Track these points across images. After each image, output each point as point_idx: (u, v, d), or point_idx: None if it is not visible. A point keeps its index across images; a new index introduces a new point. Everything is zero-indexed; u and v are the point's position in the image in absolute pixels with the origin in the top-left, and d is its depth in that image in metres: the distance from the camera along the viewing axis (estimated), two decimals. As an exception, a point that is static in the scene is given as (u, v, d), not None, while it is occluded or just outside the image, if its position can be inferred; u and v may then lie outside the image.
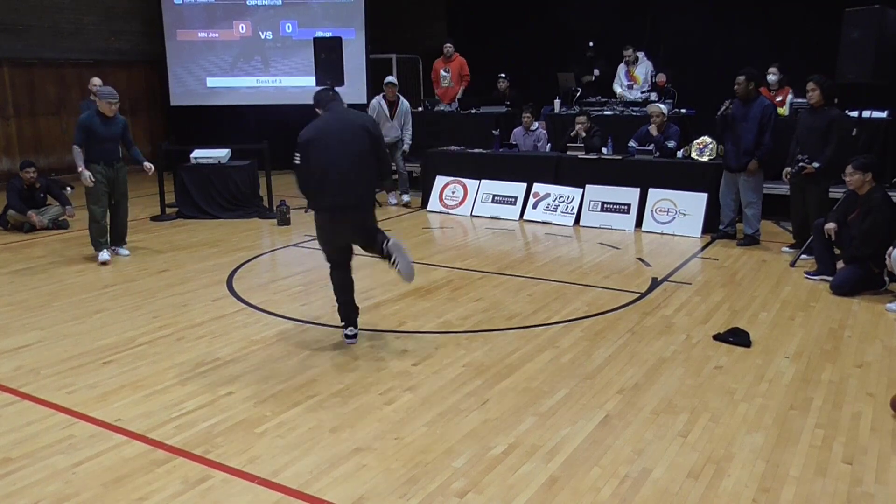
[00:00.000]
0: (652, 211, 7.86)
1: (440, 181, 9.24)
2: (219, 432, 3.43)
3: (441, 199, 9.13)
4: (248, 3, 12.68)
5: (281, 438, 3.36)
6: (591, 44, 10.50)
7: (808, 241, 6.23)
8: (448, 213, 8.95)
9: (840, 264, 5.82)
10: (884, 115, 7.83)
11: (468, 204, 8.92)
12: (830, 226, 5.68)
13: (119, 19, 12.80)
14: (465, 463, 3.12)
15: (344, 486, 2.95)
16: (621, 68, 10.15)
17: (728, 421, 3.48)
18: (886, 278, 5.49)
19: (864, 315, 5.05)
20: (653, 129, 8.22)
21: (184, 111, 12.93)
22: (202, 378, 4.06)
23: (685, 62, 10.09)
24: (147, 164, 6.83)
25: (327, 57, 9.61)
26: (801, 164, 6.38)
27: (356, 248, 4.57)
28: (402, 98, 9.35)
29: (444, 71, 10.95)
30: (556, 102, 9.91)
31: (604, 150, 8.46)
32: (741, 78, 6.78)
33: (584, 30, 10.98)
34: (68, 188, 8.95)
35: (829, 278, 5.72)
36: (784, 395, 3.77)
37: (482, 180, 8.94)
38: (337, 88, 9.98)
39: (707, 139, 7.82)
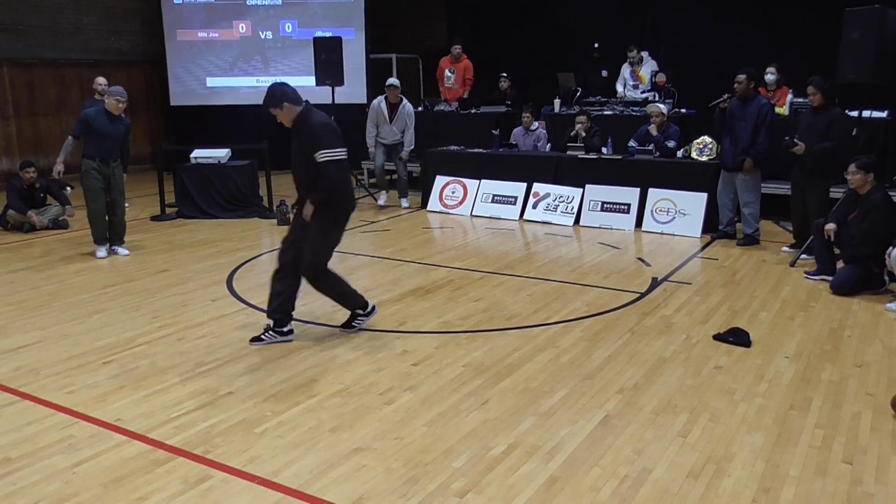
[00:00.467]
0: (652, 211, 7.86)
1: (440, 181, 9.24)
2: (219, 432, 3.43)
3: (441, 199, 9.13)
4: (248, 3, 12.68)
5: (281, 438, 3.36)
6: (596, 45, 10.50)
7: (808, 241, 6.24)
8: (448, 213, 8.95)
9: (840, 264, 5.82)
10: (884, 115, 7.83)
11: (468, 204, 8.92)
12: (830, 226, 5.68)
13: (119, 19, 12.80)
14: (465, 463, 3.12)
15: (344, 486, 2.95)
16: (626, 68, 10.15)
17: (728, 421, 3.49)
18: (886, 278, 5.49)
19: (864, 315, 5.05)
20: (653, 129, 8.22)
21: (184, 111, 12.93)
22: (202, 378, 4.06)
23: (685, 62, 10.10)
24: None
25: (327, 57, 9.62)
26: (787, 139, 6.41)
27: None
28: (405, 101, 9.20)
29: (450, 72, 10.95)
30: (556, 102, 9.91)
31: (604, 149, 8.46)
32: (742, 77, 6.78)
33: (585, 30, 10.99)
34: (68, 188, 8.95)
35: (829, 278, 5.72)
36: (784, 395, 3.77)
37: (482, 180, 8.94)
38: (337, 88, 10.05)
39: (707, 139, 7.82)
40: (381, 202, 9.33)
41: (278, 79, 12.59)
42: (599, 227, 7.99)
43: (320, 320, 5.02)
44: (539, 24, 12.07)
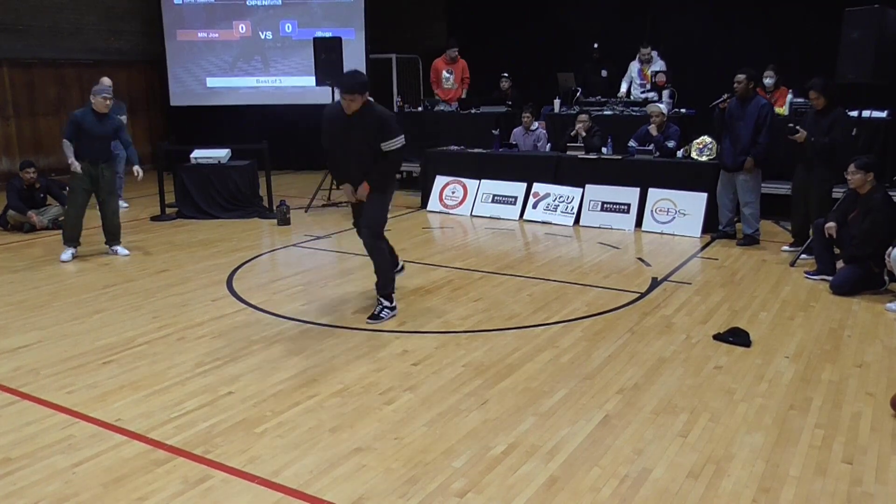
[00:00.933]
0: (652, 211, 7.86)
1: (440, 181, 9.24)
2: (219, 432, 3.43)
3: (441, 199, 9.13)
4: (248, 3, 12.68)
5: (281, 438, 3.36)
6: (595, 45, 10.50)
7: (808, 240, 6.24)
8: (448, 213, 8.95)
9: (840, 264, 5.82)
10: (884, 115, 7.83)
11: (468, 204, 8.92)
12: (830, 225, 5.69)
13: (119, 19, 12.80)
14: (465, 463, 3.12)
15: (344, 486, 2.95)
16: (634, 66, 10.12)
17: (728, 421, 3.49)
18: (886, 278, 5.49)
19: (864, 315, 5.05)
20: (652, 129, 8.23)
21: (184, 111, 12.93)
22: (202, 378, 4.06)
23: (685, 62, 10.09)
24: (136, 168, 6.74)
25: (327, 57, 9.62)
26: (790, 125, 6.42)
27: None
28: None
29: (447, 73, 10.94)
30: (556, 102, 9.90)
31: (604, 149, 8.46)
32: (741, 77, 6.78)
33: (585, 30, 10.99)
34: (68, 188, 8.94)
35: (829, 278, 5.72)
36: (784, 395, 3.77)
37: (482, 180, 8.94)
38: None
39: (707, 139, 7.82)
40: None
41: (278, 79, 12.84)
42: (599, 227, 7.99)
43: (320, 320, 5.03)
44: (539, 24, 12.07)
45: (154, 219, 8.73)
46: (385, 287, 5.06)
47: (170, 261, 6.74)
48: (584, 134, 8.61)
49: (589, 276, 6.11)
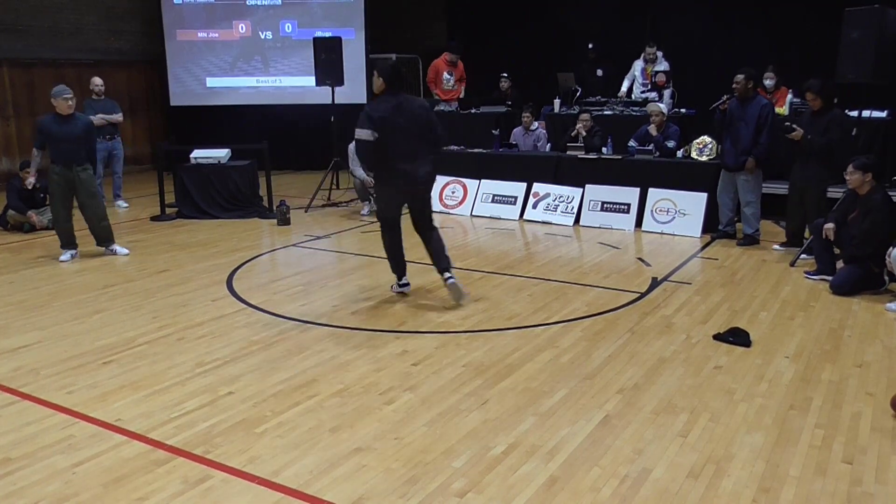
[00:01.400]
0: (652, 211, 7.86)
1: (440, 181, 9.21)
2: (219, 432, 3.43)
3: (441, 199, 9.13)
4: (247, 3, 12.68)
5: (281, 438, 3.36)
6: (590, 45, 10.51)
7: (808, 240, 6.24)
8: (448, 213, 8.95)
9: (840, 264, 5.82)
10: (884, 115, 7.83)
11: (468, 204, 8.92)
12: (829, 226, 5.68)
13: (119, 19, 12.80)
14: (465, 463, 3.12)
15: (344, 486, 2.96)
16: (638, 64, 10.11)
17: (728, 421, 3.49)
18: (886, 278, 5.49)
19: (863, 315, 5.05)
20: (652, 129, 8.23)
21: (184, 111, 12.93)
22: (202, 378, 4.06)
23: (685, 62, 10.09)
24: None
25: (327, 57, 9.62)
26: (787, 124, 6.42)
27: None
28: None
29: (448, 74, 10.94)
30: (556, 102, 9.90)
31: (603, 149, 8.46)
32: (740, 77, 6.78)
33: (584, 30, 10.99)
34: (48, 195, 8.94)
35: (829, 278, 5.72)
36: (784, 395, 3.77)
37: (482, 180, 8.94)
38: (337, 88, 10.04)
39: (707, 139, 7.82)
40: (364, 212, 9.13)
41: (278, 79, 12.84)
42: (599, 227, 7.99)
43: (320, 320, 5.03)
44: (539, 24, 12.07)
45: (154, 219, 8.73)
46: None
47: (170, 261, 6.74)
48: (584, 134, 8.61)
49: (589, 276, 6.11)
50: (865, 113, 7.42)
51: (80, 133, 6.44)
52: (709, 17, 10.61)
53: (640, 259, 6.67)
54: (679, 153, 8.04)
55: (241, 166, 8.88)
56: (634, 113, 9.26)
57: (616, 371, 4.10)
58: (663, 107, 8.48)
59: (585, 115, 8.71)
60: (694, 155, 7.87)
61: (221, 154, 8.85)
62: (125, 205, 9.65)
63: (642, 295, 5.54)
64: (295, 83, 12.77)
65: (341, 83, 9.77)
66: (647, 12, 11.25)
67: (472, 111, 10.52)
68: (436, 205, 9.11)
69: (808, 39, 9.45)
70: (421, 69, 13.35)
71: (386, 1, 13.19)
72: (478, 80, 11.26)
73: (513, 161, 8.93)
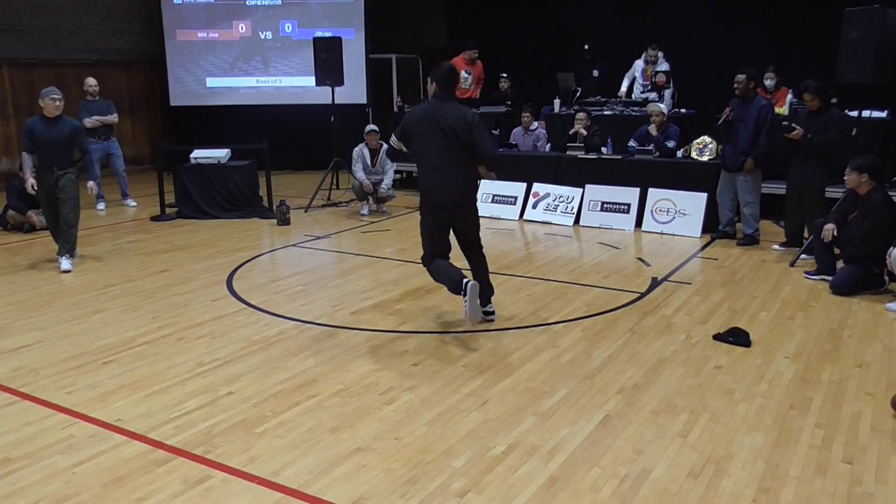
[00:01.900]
0: (652, 211, 7.86)
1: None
2: (219, 432, 3.43)
3: (441, 199, 9.11)
4: (247, 3, 12.68)
5: (281, 438, 3.36)
6: (586, 46, 10.51)
7: (808, 240, 6.24)
8: (448, 213, 8.93)
9: (840, 264, 5.82)
10: (884, 115, 7.83)
11: (468, 204, 8.90)
12: (829, 226, 5.68)
13: (119, 19, 12.80)
14: (465, 463, 3.12)
15: (344, 486, 2.96)
16: (639, 64, 10.10)
17: (728, 421, 3.49)
18: (886, 278, 5.49)
19: (863, 315, 5.05)
20: (652, 129, 8.23)
21: (183, 111, 12.93)
22: (202, 378, 4.06)
23: (685, 62, 10.10)
24: (90, 184, 6.50)
25: (327, 57, 9.62)
26: (785, 123, 6.42)
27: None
28: (385, 145, 8.86)
29: (466, 73, 10.93)
30: (556, 102, 9.91)
31: (603, 149, 8.46)
32: (742, 77, 6.77)
33: (584, 30, 10.99)
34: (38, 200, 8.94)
35: (829, 278, 5.72)
36: (784, 395, 3.77)
37: (482, 180, 8.92)
38: (337, 88, 10.03)
39: (707, 139, 7.82)
40: (363, 211, 9.11)
41: (278, 79, 12.84)
42: (599, 227, 7.99)
43: (320, 320, 5.03)
44: (539, 24, 12.07)
45: (154, 219, 8.73)
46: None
47: (170, 261, 6.74)
48: (584, 133, 8.61)
49: (589, 276, 6.11)
50: (865, 113, 7.42)
51: (65, 137, 6.23)
52: (709, 17, 10.61)
53: (640, 259, 6.67)
54: (679, 153, 8.04)
55: (241, 166, 8.88)
56: (634, 113, 9.26)
57: (616, 371, 4.10)
58: (663, 107, 8.48)
59: (582, 115, 8.71)
60: (694, 155, 7.87)
61: (221, 154, 8.86)
62: (134, 203, 9.65)
63: (642, 295, 5.54)
64: (295, 83, 12.76)
65: (341, 83, 9.77)
66: (647, 12, 11.26)
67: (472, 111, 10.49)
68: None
69: (808, 39, 9.45)
70: (421, 69, 13.36)
71: (386, 1, 13.19)
72: (477, 79, 11.26)
73: (513, 161, 8.93)
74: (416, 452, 3.22)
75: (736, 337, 4.51)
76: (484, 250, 4.93)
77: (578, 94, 9.96)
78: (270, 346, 4.54)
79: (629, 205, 7.97)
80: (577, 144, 8.55)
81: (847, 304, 5.28)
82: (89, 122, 9.17)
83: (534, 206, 8.52)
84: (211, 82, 12.93)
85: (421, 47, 13.38)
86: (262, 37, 12.80)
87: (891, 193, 5.77)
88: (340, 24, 12.53)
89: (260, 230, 8.16)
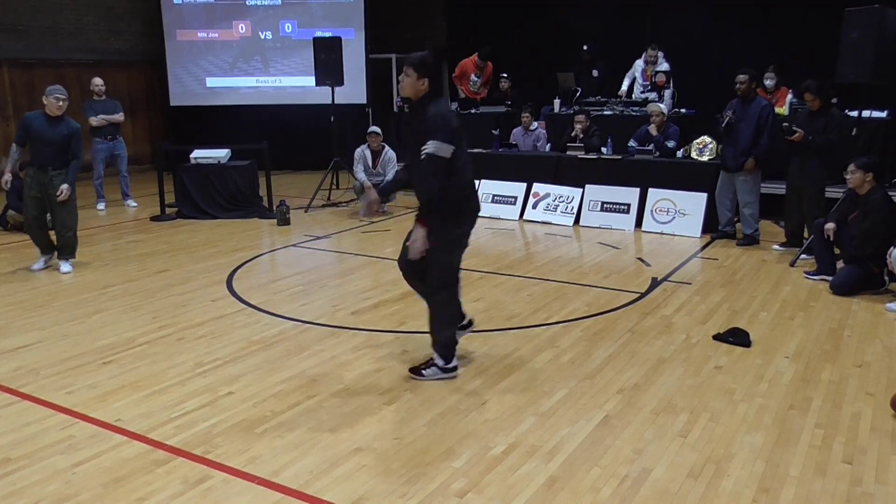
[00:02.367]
0: (652, 211, 7.86)
1: (440, 181, 9.21)
2: (219, 432, 3.43)
3: (441, 199, 9.11)
4: (247, 3, 12.68)
5: (281, 438, 3.36)
6: (585, 47, 10.52)
7: (808, 240, 6.24)
8: (448, 213, 8.93)
9: (840, 264, 5.82)
10: (884, 115, 7.83)
11: (468, 204, 8.90)
12: (830, 226, 5.69)
13: (119, 19, 12.80)
14: (465, 463, 3.12)
15: (344, 486, 2.95)
16: (639, 64, 10.10)
17: (728, 421, 3.49)
18: (886, 278, 5.49)
19: (863, 315, 5.05)
20: (652, 129, 8.23)
21: (183, 111, 12.93)
22: (202, 378, 4.06)
23: (685, 62, 10.09)
24: (63, 186, 6.11)
25: (327, 57, 9.62)
26: (786, 125, 6.42)
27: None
28: (387, 147, 8.96)
29: (476, 76, 10.93)
30: (556, 102, 9.91)
31: (603, 149, 8.46)
32: (744, 77, 6.77)
33: (584, 30, 10.99)
34: (22, 198, 8.92)
35: (829, 278, 5.72)
36: (784, 395, 3.77)
37: (482, 180, 8.93)
38: (337, 88, 10.02)
39: (707, 139, 7.82)
40: (363, 212, 9.10)
41: (278, 79, 12.84)
42: (599, 227, 7.99)
43: (320, 320, 5.03)
44: (539, 24, 12.07)
45: (154, 219, 8.73)
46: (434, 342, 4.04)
47: (170, 261, 6.74)
48: (581, 135, 8.61)
49: (589, 276, 6.11)
50: (865, 113, 7.42)
51: (63, 138, 6.09)
52: (709, 17, 10.61)
53: (639, 259, 6.67)
54: (679, 153, 8.04)
55: (240, 166, 8.88)
56: (634, 113, 9.26)
57: (616, 371, 4.10)
58: (663, 107, 8.48)
59: (581, 117, 8.71)
60: (694, 155, 7.87)
61: (221, 154, 8.85)
62: (134, 204, 9.65)
63: (642, 295, 5.54)
64: (295, 83, 12.76)
65: (341, 83, 9.76)
66: (647, 12, 11.25)
67: (472, 111, 10.51)
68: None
69: (808, 39, 9.45)
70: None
71: (386, 1, 13.18)
72: (478, 80, 11.25)
73: (513, 161, 8.93)
74: (416, 452, 3.22)
75: (736, 337, 4.51)
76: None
77: (578, 94, 9.96)
78: (270, 346, 4.54)
79: (629, 205, 7.97)
80: (576, 144, 8.55)
81: (847, 304, 5.28)
82: (95, 121, 9.19)
83: (534, 206, 8.52)
84: (211, 82, 12.93)
85: (421, 47, 13.26)
86: (262, 37, 12.80)
87: (891, 193, 5.78)
88: (340, 24, 12.53)
89: (260, 230, 8.16)
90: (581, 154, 8.43)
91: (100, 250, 7.17)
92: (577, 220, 8.18)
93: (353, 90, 11.93)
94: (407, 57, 3.79)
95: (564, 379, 3.99)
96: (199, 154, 8.87)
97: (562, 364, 4.20)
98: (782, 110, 8.40)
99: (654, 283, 5.86)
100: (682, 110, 9.30)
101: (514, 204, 8.63)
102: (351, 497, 2.88)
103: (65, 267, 6.36)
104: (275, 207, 8.63)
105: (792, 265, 6.29)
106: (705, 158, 7.78)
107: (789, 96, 8.52)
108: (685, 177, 7.80)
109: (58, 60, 11.95)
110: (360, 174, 8.76)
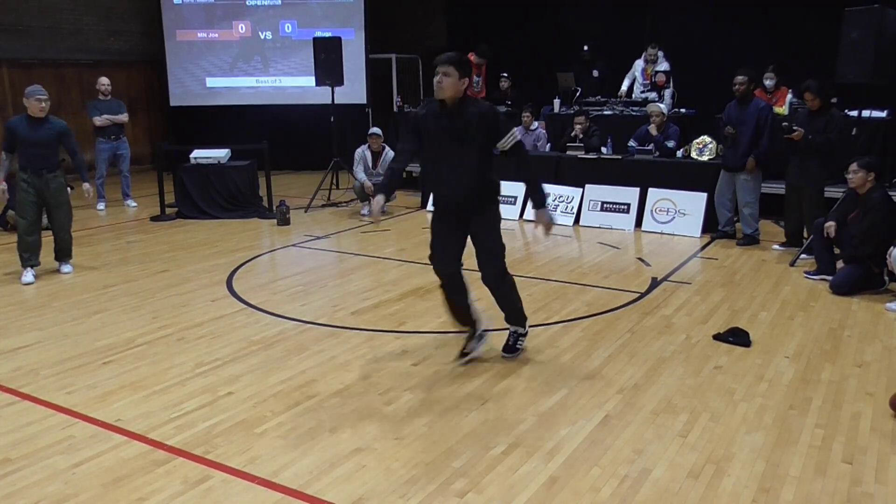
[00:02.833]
0: (652, 211, 7.86)
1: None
2: (219, 432, 3.43)
3: (441, 199, 9.11)
4: (247, 3, 12.67)
5: (281, 438, 3.36)
6: (585, 47, 10.52)
7: (808, 240, 6.24)
8: (448, 213, 8.93)
9: (840, 264, 5.82)
10: (884, 115, 7.83)
11: (468, 204, 8.90)
12: (829, 225, 5.69)
13: (119, 19, 12.79)
14: (465, 463, 3.12)
15: (344, 486, 2.95)
16: (639, 64, 10.11)
17: (728, 421, 3.49)
18: (886, 278, 5.50)
19: (863, 315, 5.05)
20: (652, 129, 8.23)
21: (183, 111, 12.93)
22: (202, 378, 4.06)
23: (685, 62, 10.10)
24: (86, 186, 6.20)
25: (327, 57, 9.63)
26: (785, 124, 6.42)
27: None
28: (387, 148, 8.95)
29: (476, 75, 10.94)
30: (556, 102, 9.91)
31: (603, 149, 8.46)
32: (743, 78, 6.76)
33: (584, 30, 10.99)
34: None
35: (829, 278, 5.72)
36: (784, 395, 3.77)
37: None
38: (337, 88, 10.02)
39: (707, 139, 7.82)
40: (364, 212, 9.11)
41: (278, 79, 12.84)
42: (599, 227, 7.99)
43: (320, 320, 5.03)
44: (539, 24, 12.07)
45: (154, 219, 8.73)
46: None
47: (170, 261, 6.74)
48: (581, 135, 8.61)
49: (589, 276, 6.11)
50: (865, 113, 7.42)
51: (52, 138, 5.99)
52: (709, 17, 10.61)
53: (639, 259, 6.67)
54: (679, 153, 8.04)
55: (240, 166, 8.88)
56: (634, 113, 9.26)
57: (616, 371, 4.10)
58: (663, 107, 8.48)
59: (580, 118, 8.71)
60: (694, 155, 7.87)
61: (221, 154, 8.85)
62: (134, 204, 9.65)
63: (642, 295, 5.54)
64: (295, 83, 12.76)
65: (341, 83, 9.76)
66: (647, 12, 11.25)
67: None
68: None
69: (808, 39, 9.45)
70: (421, 69, 13.36)
71: (386, 1, 13.18)
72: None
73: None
74: (416, 452, 3.22)
75: (736, 337, 4.51)
76: None
77: (578, 94, 9.96)
78: (270, 346, 4.53)
79: (629, 205, 7.97)
80: (576, 144, 8.55)
81: (847, 304, 5.28)
82: (99, 120, 9.22)
83: (534, 206, 8.51)
84: (211, 82, 12.93)
85: (421, 47, 13.37)
86: (262, 37, 12.79)
87: (891, 193, 5.78)
88: (340, 24, 12.52)
89: (260, 230, 8.16)
90: (581, 154, 8.43)
91: (100, 250, 7.16)
92: (577, 220, 8.18)
93: (353, 90, 11.93)
94: (443, 57, 3.82)
95: (564, 379, 3.99)
96: (198, 154, 8.87)
97: (562, 364, 4.20)
98: (782, 110, 8.40)
99: (654, 282, 5.86)
100: (682, 110, 9.30)
101: (515, 204, 8.63)
102: (351, 497, 2.88)
103: (65, 268, 6.38)
104: (275, 207, 8.63)
105: (792, 265, 6.29)
106: (705, 158, 7.78)
107: (789, 96, 8.52)
108: (685, 177, 7.80)
109: (58, 60, 11.95)
110: (361, 174, 8.76)
